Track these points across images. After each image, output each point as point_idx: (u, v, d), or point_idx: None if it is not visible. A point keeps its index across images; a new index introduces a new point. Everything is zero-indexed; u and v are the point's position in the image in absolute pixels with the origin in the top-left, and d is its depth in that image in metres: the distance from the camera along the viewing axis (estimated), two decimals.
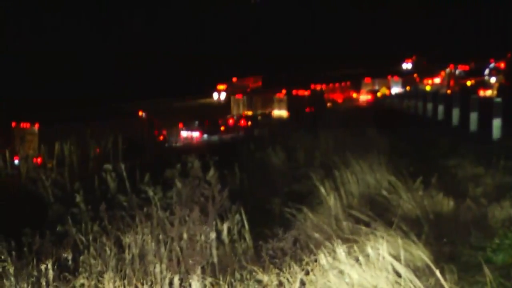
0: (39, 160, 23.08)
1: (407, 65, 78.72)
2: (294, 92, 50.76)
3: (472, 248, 6.01)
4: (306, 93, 50.93)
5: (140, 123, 29.54)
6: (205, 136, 31.25)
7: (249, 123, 34.52)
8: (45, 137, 24.20)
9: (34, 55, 64.34)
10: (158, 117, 31.52)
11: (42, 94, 49.01)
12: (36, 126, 25.28)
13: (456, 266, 5.14)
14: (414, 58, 79.42)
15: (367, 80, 61.23)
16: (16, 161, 24.38)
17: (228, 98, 61.75)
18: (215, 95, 71.74)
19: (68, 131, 23.91)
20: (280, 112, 42.67)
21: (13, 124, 25.91)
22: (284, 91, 49.64)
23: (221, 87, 71.85)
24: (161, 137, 30.07)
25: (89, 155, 18.83)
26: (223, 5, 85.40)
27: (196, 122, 31.75)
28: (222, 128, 32.49)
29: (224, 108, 46.46)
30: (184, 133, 31.40)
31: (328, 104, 48.35)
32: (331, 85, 60.01)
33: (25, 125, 25.56)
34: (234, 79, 74.00)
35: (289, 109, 42.02)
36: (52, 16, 76.06)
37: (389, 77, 61.12)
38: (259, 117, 39.62)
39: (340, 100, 54.80)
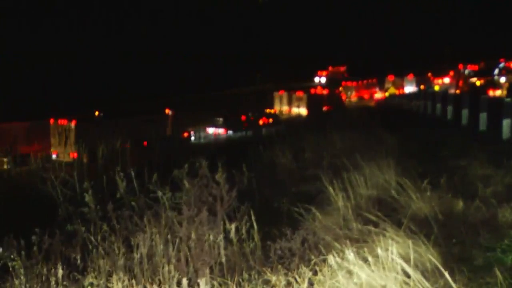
0: (75, 155, 23.54)
1: (320, 79, 65.85)
2: (312, 90, 50.55)
3: (482, 249, 5.98)
4: (324, 91, 50.71)
5: (165, 121, 29.85)
6: (230, 132, 31.46)
7: (268, 120, 34.34)
8: (81, 133, 24.80)
9: (62, 54, 64.61)
10: (185, 114, 31.65)
11: (76, 92, 49.19)
12: (73, 123, 25.80)
13: (466, 267, 5.11)
14: (330, 69, 67.05)
15: (390, 78, 60.48)
16: (54, 156, 24.98)
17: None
18: None
19: (102, 129, 24.63)
20: (299, 110, 42.74)
21: (51, 120, 26.45)
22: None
23: None
24: (186, 134, 30.23)
25: (121, 152, 19.03)
26: (229, 5, 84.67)
27: (221, 119, 31.90)
28: (246, 125, 32.50)
29: (265, 104, 44.14)
30: (210, 130, 31.63)
31: (345, 103, 48.52)
32: (360, 82, 59.49)
33: (62, 121, 26.09)
34: None
35: (308, 108, 42.15)
36: (75, 16, 76.16)
37: (410, 75, 59.90)
38: (279, 115, 39.44)
39: (366, 97, 55.10)
